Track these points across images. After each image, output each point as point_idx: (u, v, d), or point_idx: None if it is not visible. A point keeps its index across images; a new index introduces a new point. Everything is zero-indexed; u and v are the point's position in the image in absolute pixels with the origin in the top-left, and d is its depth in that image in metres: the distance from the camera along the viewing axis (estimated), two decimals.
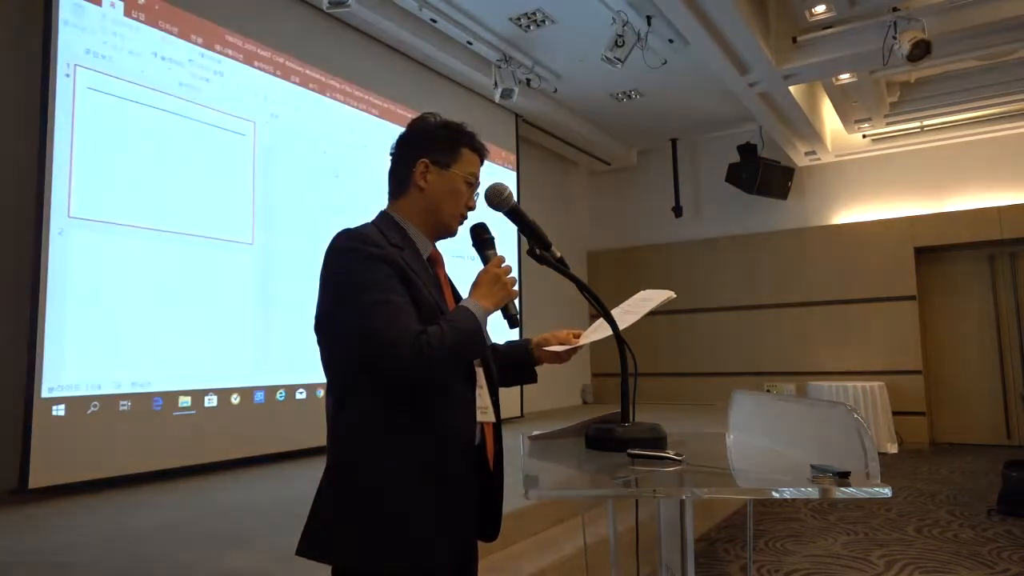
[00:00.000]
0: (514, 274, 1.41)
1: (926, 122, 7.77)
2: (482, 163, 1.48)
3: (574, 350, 1.56)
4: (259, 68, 4.88)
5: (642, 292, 1.64)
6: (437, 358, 1.23)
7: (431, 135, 1.43)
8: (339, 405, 1.30)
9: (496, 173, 6.92)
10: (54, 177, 3.68)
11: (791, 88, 6.56)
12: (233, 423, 4.47)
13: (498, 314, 1.38)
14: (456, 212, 1.44)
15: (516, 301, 1.41)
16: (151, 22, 4.23)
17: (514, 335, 1.70)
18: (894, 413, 7.40)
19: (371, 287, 1.25)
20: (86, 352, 3.77)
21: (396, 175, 1.45)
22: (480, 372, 1.39)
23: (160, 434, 4.06)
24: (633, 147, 9.54)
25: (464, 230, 1.50)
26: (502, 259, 1.42)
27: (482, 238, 1.47)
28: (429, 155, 1.41)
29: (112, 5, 4.03)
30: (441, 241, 1.49)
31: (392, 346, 1.21)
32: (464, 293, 1.44)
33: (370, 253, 1.28)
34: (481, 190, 1.47)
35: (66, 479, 3.64)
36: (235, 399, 4.51)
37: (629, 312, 1.55)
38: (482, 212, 1.48)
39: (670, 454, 1.26)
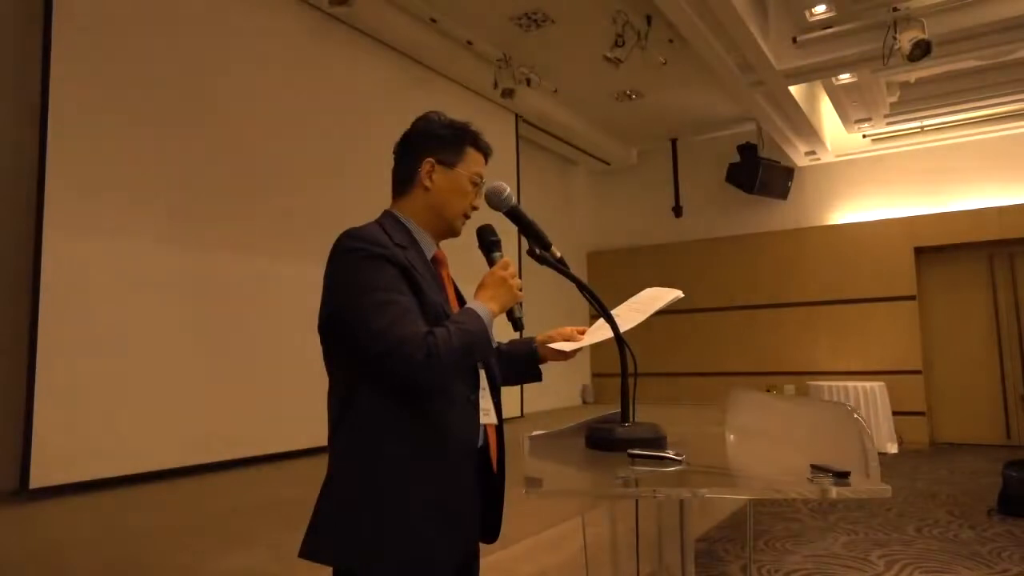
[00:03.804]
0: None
1: (926, 122, 7.77)
2: (486, 162, 1.48)
3: (579, 348, 1.56)
4: (260, 68, 4.87)
5: (649, 290, 1.63)
6: (444, 360, 1.21)
7: (436, 134, 1.42)
8: (341, 406, 1.30)
9: (496, 173, 6.90)
10: (55, 177, 3.68)
11: (791, 88, 6.56)
12: (233, 423, 4.47)
13: (502, 316, 1.38)
14: (461, 212, 1.43)
15: (520, 304, 1.41)
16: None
17: (515, 336, 1.70)
18: (894, 413, 7.39)
19: (377, 287, 1.24)
20: (86, 352, 3.77)
21: (400, 174, 1.44)
22: (482, 373, 1.39)
23: (160, 434, 4.06)
24: (633, 147, 9.54)
25: (468, 231, 1.49)
26: (508, 262, 1.41)
27: (488, 240, 1.46)
28: (435, 154, 1.40)
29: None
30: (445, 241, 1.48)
31: (399, 347, 1.19)
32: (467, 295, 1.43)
33: (375, 253, 1.27)
34: (483, 191, 1.47)
35: (66, 479, 3.64)
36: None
37: (635, 310, 1.54)
38: (482, 212, 1.47)
39: (670, 454, 1.25)
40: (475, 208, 1.46)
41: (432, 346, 1.20)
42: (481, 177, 1.45)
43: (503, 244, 1.49)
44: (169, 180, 4.24)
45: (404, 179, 1.43)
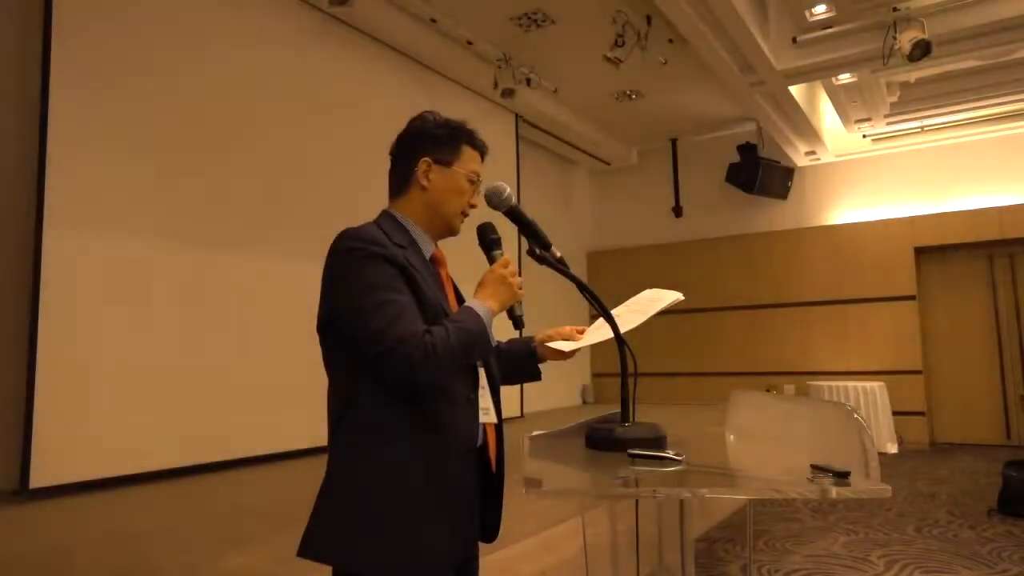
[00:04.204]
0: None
1: (926, 122, 7.77)
2: (483, 160, 1.48)
3: (578, 347, 1.55)
4: (260, 67, 4.87)
5: (649, 291, 1.63)
6: (442, 359, 1.21)
7: (432, 134, 1.42)
8: (341, 405, 1.30)
9: (496, 173, 6.91)
10: (55, 177, 3.68)
11: (791, 88, 6.57)
12: (233, 423, 4.46)
13: (502, 316, 1.37)
14: (459, 210, 1.43)
15: (520, 302, 1.41)
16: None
17: (516, 335, 1.70)
18: (894, 413, 7.39)
19: (375, 287, 1.24)
20: (86, 351, 3.77)
21: (397, 174, 1.44)
22: (481, 373, 1.39)
23: (160, 434, 4.06)
24: (633, 147, 9.54)
25: (467, 229, 1.49)
26: (509, 260, 1.40)
27: (488, 238, 1.46)
28: (431, 153, 1.40)
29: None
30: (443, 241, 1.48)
31: (398, 346, 1.19)
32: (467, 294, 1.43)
33: (373, 252, 1.27)
34: (480, 190, 1.47)
35: (66, 479, 3.64)
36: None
37: (635, 312, 1.54)
38: (483, 212, 1.47)
39: (670, 454, 1.25)
40: (473, 206, 1.45)
41: (430, 345, 1.20)
42: (478, 175, 1.45)
43: (503, 244, 1.49)
44: (169, 180, 4.23)
45: (401, 179, 1.43)
